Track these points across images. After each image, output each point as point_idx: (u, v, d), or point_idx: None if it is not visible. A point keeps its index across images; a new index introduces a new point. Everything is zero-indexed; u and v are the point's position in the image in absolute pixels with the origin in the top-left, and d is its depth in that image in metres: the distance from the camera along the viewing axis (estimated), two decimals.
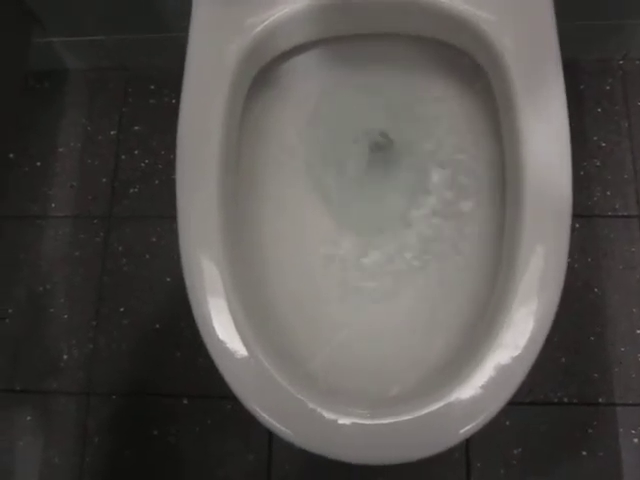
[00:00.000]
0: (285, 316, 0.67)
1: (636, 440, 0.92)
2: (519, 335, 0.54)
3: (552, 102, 0.61)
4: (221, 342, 0.57)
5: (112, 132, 1.11)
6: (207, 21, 0.67)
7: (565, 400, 0.94)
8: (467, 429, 0.53)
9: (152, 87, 1.12)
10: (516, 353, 0.54)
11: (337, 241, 0.72)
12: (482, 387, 0.53)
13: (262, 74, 0.71)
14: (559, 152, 0.59)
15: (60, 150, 1.11)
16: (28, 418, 0.99)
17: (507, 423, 0.93)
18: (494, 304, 0.56)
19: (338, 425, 0.54)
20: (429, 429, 0.54)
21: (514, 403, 0.93)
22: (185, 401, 0.98)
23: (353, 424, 0.54)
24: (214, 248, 0.60)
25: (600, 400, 0.93)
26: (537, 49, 0.63)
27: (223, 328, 0.57)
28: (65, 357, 1.01)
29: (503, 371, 0.53)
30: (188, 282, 0.59)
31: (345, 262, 0.71)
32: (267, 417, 0.55)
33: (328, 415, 0.55)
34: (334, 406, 0.55)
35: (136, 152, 1.09)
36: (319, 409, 0.55)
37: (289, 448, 0.94)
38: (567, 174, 0.58)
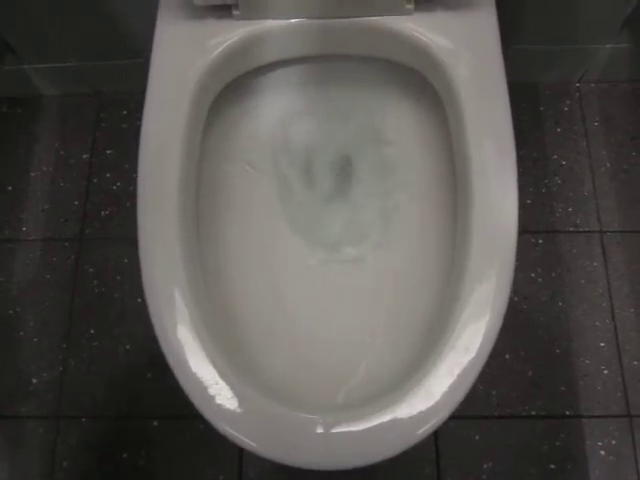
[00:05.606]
0: (247, 328, 0.68)
1: (603, 452, 0.93)
2: (470, 340, 0.56)
3: (499, 126, 0.64)
4: (183, 358, 0.57)
5: (84, 156, 1.12)
6: (169, 41, 0.69)
7: (533, 413, 0.95)
8: (424, 429, 0.54)
9: (124, 112, 1.14)
10: (469, 356, 0.55)
11: (298, 255, 0.74)
12: (437, 389, 0.54)
13: (225, 94, 0.73)
14: (506, 172, 0.62)
15: (32, 174, 1.12)
16: None
17: (476, 437, 0.94)
18: (445, 312, 0.58)
19: (300, 433, 0.55)
20: (389, 432, 0.54)
21: (482, 417, 0.95)
22: (155, 423, 0.97)
23: (315, 432, 0.54)
24: (176, 269, 0.60)
25: (567, 413, 0.95)
26: (487, 76, 0.66)
27: (187, 348, 0.57)
28: (34, 380, 1.00)
29: (456, 373, 0.54)
30: (151, 306, 0.59)
31: (306, 274, 0.73)
32: (228, 428, 0.55)
33: (290, 424, 0.55)
34: (295, 414, 0.56)
35: (108, 175, 1.11)
36: (281, 418, 0.55)
37: (259, 468, 0.95)
38: (513, 192, 0.61)
